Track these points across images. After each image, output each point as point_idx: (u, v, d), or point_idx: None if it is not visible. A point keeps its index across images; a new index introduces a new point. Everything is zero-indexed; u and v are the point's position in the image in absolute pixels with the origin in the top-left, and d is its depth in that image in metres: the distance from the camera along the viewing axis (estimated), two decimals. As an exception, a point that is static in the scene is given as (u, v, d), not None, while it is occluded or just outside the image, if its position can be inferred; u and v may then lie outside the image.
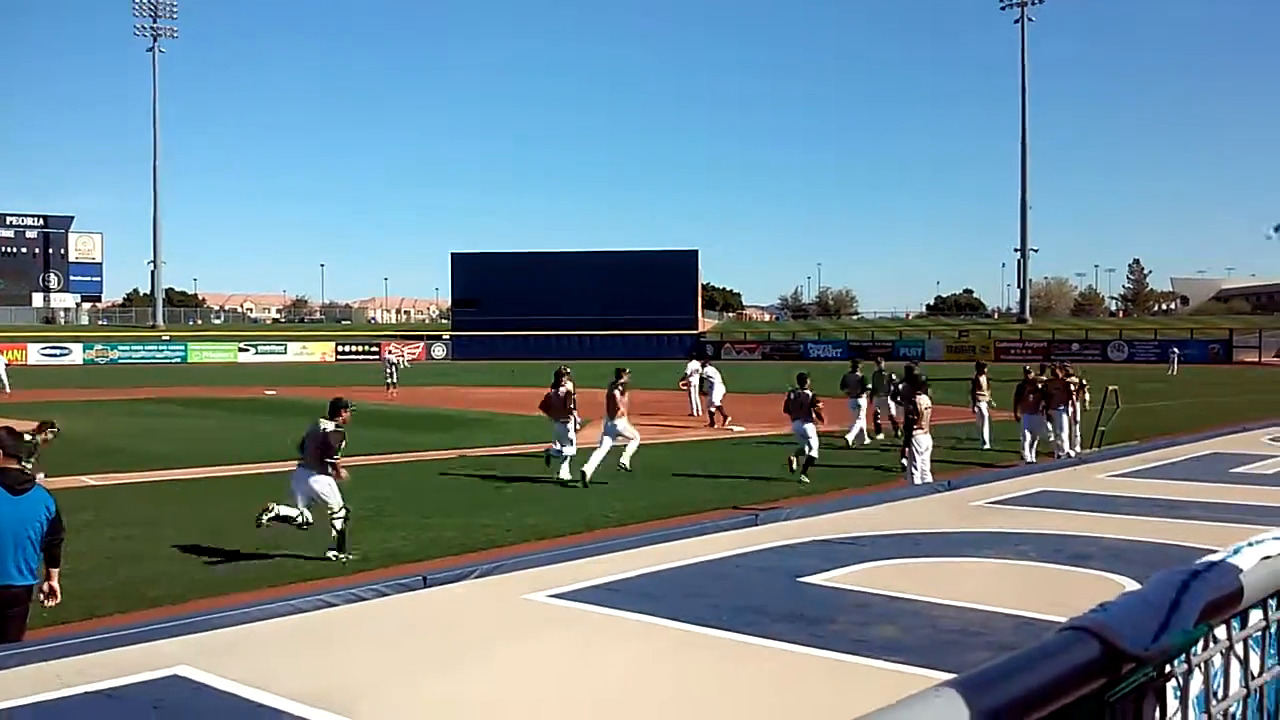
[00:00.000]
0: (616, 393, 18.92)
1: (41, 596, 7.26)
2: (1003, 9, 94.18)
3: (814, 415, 18.39)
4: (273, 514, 12.08)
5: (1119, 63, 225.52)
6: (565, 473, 17.95)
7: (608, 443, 18.41)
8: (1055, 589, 5.09)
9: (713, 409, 28.54)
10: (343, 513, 12.17)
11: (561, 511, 15.28)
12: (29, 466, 13.55)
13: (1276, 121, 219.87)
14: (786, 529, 6.54)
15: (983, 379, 23.06)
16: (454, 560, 11.15)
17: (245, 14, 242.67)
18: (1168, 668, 1.50)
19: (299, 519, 12.06)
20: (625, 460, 18.45)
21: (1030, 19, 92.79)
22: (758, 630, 4.21)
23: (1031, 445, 19.82)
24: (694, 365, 32.25)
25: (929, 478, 15.25)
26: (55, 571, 7.18)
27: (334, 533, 12.13)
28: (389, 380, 44.91)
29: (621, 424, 18.65)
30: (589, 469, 17.73)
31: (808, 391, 19.00)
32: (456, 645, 4.06)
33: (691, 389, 31.61)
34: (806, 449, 18.27)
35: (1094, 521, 6.62)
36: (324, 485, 12.31)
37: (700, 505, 15.55)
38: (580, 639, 4.13)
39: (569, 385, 18.62)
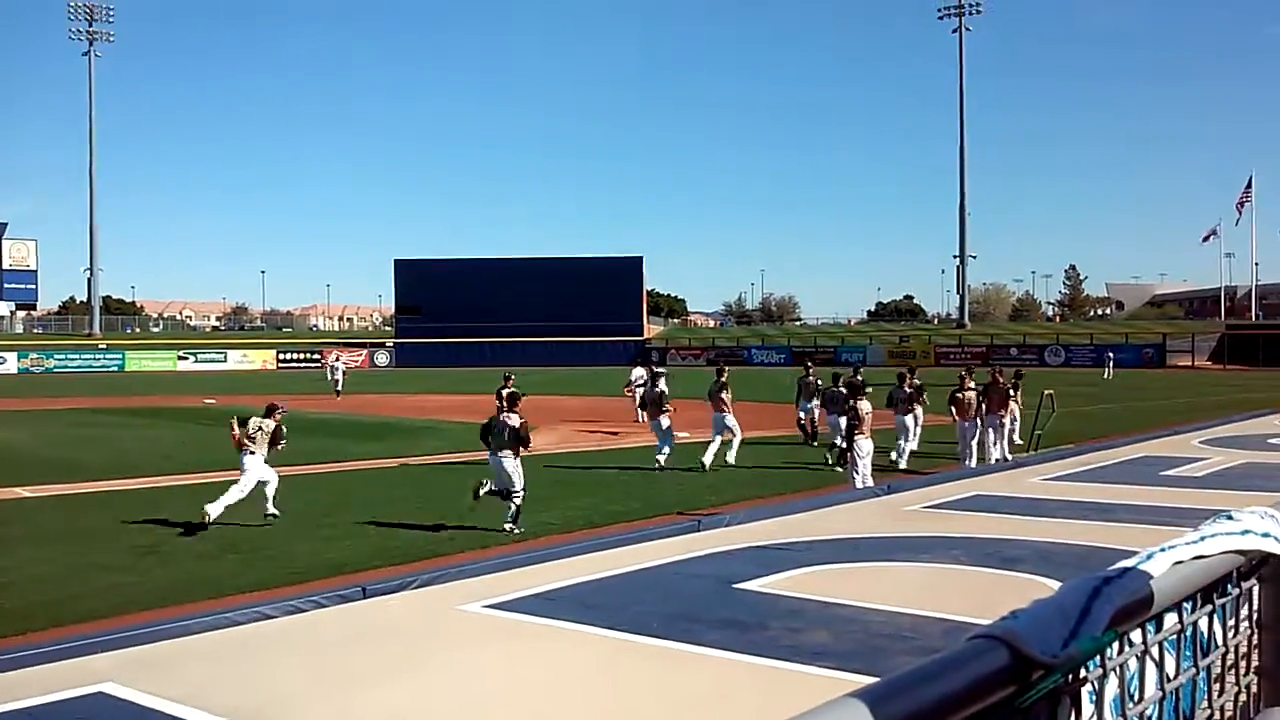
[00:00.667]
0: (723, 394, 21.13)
1: None
2: (940, 18, 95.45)
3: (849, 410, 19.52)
4: (486, 488, 14.08)
5: (1055, 71, 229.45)
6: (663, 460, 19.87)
7: (719, 438, 20.50)
8: (986, 592, 5.17)
9: None
10: (522, 493, 14.09)
11: (503, 520, 15.20)
12: (283, 445, 15.40)
13: (1209, 129, 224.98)
14: (726, 535, 6.58)
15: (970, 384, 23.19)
16: (396, 570, 11.07)
17: (182, 18, 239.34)
18: (1083, 672, 1.53)
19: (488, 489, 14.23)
20: (730, 457, 20.39)
21: (968, 29, 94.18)
22: (691, 638, 4.22)
23: (970, 452, 19.95)
24: (639, 371, 32.29)
25: (869, 482, 15.40)
26: None
27: (513, 509, 13.96)
28: (335, 388, 44.76)
29: (731, 420, 20.69)
30: (707, 459, 19.89)
31: (841, 389, 20.43)
32: (392, 657, 4.03)
33: (636, 395, 31.63)
34: (839, 441, 19.48)
35: (1026, 525, 6.73)
36: (514, 467, 14.23)
37: (643, 512, 15.55)
38: (515, 649, 4.12)
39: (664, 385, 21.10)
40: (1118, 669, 1.61)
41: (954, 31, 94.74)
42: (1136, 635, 1.65)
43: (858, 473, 15.86)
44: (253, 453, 15.16)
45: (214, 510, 14.40)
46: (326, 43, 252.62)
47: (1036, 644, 1.43)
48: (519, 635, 4.31)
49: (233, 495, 14.75)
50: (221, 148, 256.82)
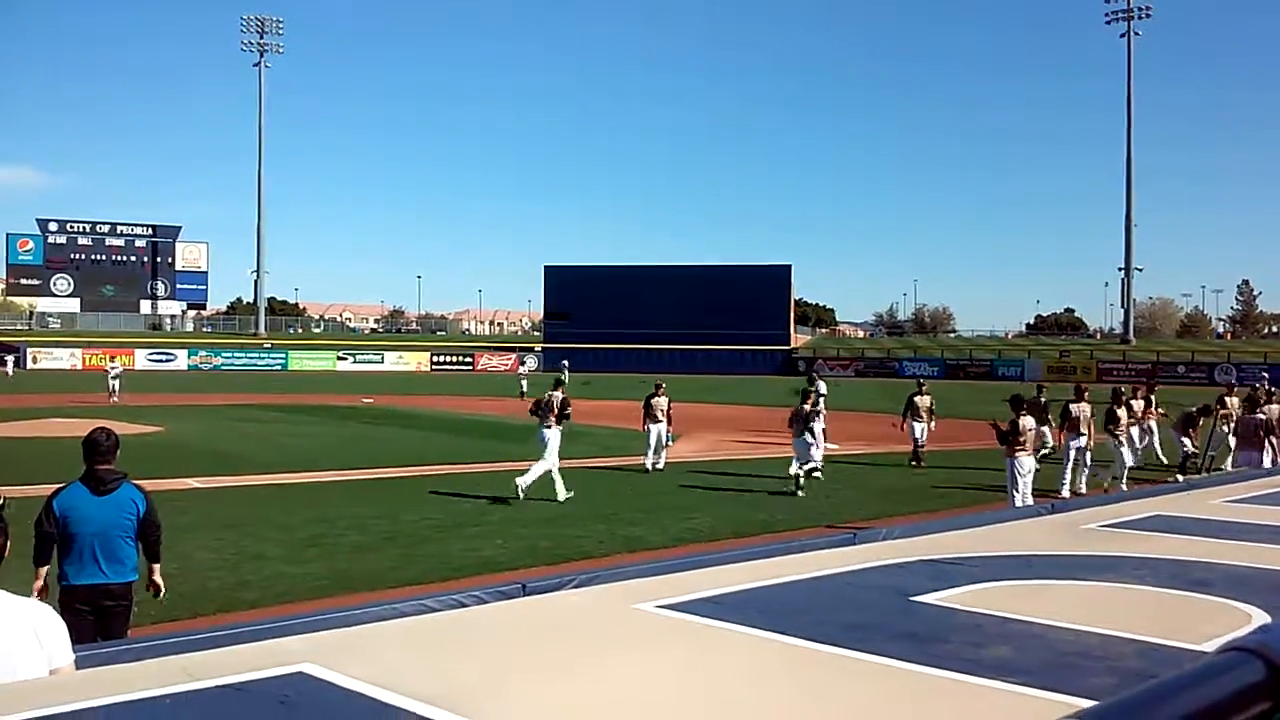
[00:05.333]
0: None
1: (150, 593, 7.46)
2: (1108, 23, 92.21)
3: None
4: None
5: (1228, 76, 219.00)
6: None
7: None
8: (1176, 614, 4.94)
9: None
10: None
11: (651, 525, 15.31)
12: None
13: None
14: (888, 548, 6.46)
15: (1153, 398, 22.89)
16: (548, 570, 11.23)
17: (347, 29, 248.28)
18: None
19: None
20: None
21: (1137, 33, 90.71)
22: (870, 648, 4.14)
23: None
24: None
25: (1029, 500, 14.94)
26: (156, 567, 7.37)
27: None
28: (521, 390, 46.35)
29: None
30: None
31: (804, 407, 20.25)
32: (569, 651, 4.08)
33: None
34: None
35: (1213, 547, 6.41)
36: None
37: (791, 523, 15.44)
38: (696, 650, 4.11)
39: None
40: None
41: (1121, 36, 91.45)
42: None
43: (1018, 491, 15.41)
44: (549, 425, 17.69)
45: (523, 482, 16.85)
46: (482, 51, 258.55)
47: (1294, 659, 1.34)
48: (696, 636, 4.30)
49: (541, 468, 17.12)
50: (381, 155, 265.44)
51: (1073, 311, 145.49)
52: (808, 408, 20.05)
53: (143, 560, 7.30)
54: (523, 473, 17.46)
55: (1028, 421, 15.60)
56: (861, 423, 32.24)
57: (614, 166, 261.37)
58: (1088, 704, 1.18)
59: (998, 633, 4.51)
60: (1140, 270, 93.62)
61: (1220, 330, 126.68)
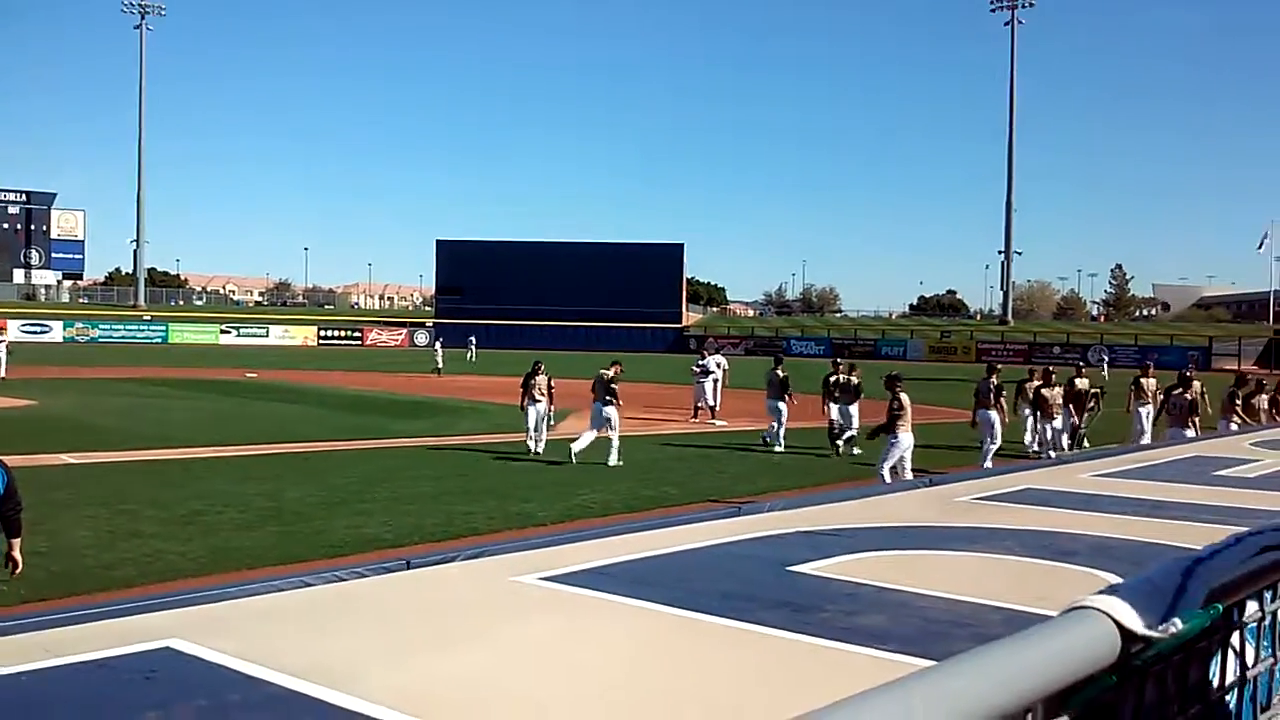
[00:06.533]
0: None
1: (8, 569, 7.21)
2: (993, 11, 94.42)
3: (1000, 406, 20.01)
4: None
5: (1107, 67, 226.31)
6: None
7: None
8: (1042, 583, 5.16)
9: (704, 403, 28.28)
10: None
11: (542, 501, 15.30)
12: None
13: (1262, 130, 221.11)
14: (770, 520, 6.59)
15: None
16: (435, 546, 11.13)
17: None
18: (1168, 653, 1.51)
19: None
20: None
21: (1020, 21, 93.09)
22: (749, 617, 4.25)
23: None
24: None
25: (908, 475, 15.31)
26: (16, 542, 7.15)
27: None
28: (435, 365, 45.96)
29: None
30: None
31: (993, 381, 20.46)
32: (448, 624, 4.07)
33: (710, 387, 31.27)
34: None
35: (1079, 519, 6.71)
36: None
37: (679, 498, 15.59)
38: (574, 620, 4.14)
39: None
40: (1199, 653, 1.57)
41: (1006, 24, 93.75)
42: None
43: (887, 462, 15.73)
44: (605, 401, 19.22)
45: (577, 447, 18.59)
46: (374, 21, 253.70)
47: (1136, 617, 1.40)
48: (578, 607, 4.34)
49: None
50: (267, 125, 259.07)
51: (954, 293, 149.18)
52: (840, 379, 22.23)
53: (1, 536, 7.06)
54: (575, 438, 19.40)
55: (905, 397, 15.94)
56: (755, 400, 32.49)
57: (507, 142, 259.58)
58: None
59: (871, 601, 4.66)
60: (1019, 254, 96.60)
61: (1095, 313, 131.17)
